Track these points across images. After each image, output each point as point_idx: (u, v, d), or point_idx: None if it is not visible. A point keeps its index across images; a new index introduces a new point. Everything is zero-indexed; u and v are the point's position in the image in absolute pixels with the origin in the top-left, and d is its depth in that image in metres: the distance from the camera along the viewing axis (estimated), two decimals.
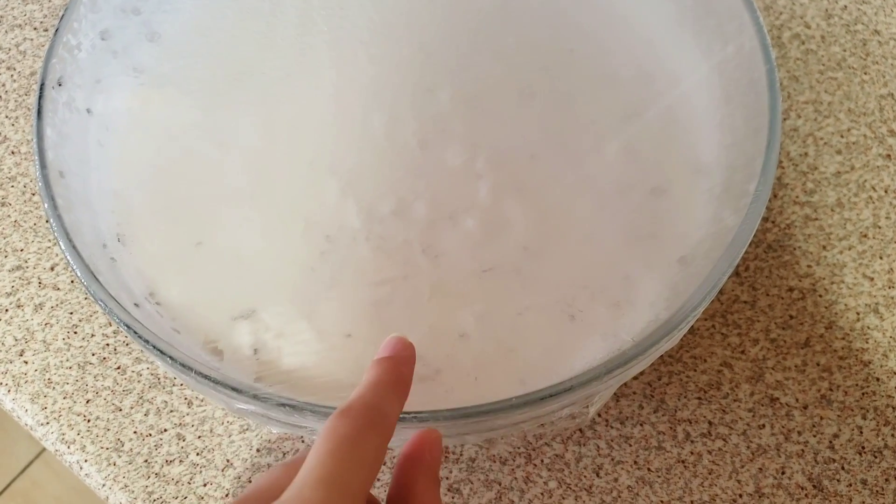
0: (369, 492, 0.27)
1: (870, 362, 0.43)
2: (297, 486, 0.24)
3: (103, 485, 0.41)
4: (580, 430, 0.42)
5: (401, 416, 0.30)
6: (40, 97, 0.36)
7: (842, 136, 0.49)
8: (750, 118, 0.36)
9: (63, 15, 0.38)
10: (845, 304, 0.45)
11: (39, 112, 0.36)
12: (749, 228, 0.33)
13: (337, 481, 0.24)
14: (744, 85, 0.37)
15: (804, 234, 0.47)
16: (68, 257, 0.33)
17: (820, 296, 0.45)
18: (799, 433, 0.42)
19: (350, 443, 0.25)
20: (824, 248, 0.46)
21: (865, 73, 0.51)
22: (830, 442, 0.41)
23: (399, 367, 0.29)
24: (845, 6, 0.53)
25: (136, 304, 0.34)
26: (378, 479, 0.41)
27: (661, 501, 0.40)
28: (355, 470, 0.25)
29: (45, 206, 0.34)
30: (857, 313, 0.44)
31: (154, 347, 0.31)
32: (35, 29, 0.53)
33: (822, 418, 0.42)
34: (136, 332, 0.31)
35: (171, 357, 0.31)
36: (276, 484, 0.28)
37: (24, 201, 0.48)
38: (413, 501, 0.27)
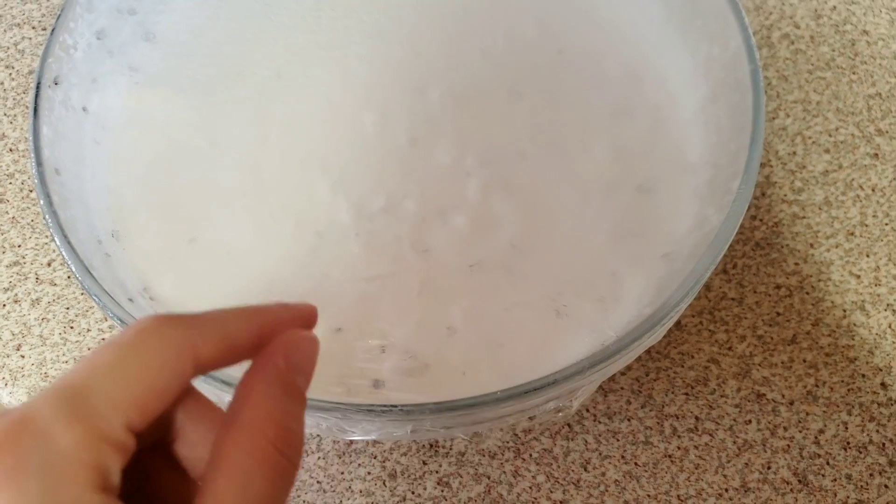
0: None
1: (855, 359, 0.44)
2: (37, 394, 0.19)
3: None
4: (568, 424, 0.42)
5: (385, 408, 0.31)
6: (37, 96, 0.37)
7: (830, 136, 0.50)
8: (735, 117, 0.37)
9: (59, 15, 0.39)
10: (832, 302, 0.45)
11: (36, 110, 0.37)
12: (732, 226, 0.33)
13: (82, 384, 0.19)
14: (729, 84, 0.38)
15: (792, 232, 0.47)
16: (64, 253, 0.34)
17: (807, 293, 0.45)
18: (785, 429, 0.42)
19: (134, 334, 0.20)
20: (811, 245, 0.47)
21: (854, 73, 0.52)
22: (816, 437, 0.42)
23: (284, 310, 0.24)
24: (834, 6, 0.54)
25: (130, 300, 0.35)
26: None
27: (648, 495, 0.41)
28: (121, 368, 0.19)
29: (41, 202, 0.35)
30: (844, 310, 0.45)
31: None
32: (33, 28, 0.54)
33: (807, 414, 0.43)
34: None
35: None
36: None
37: (22, 198, 0.49)
38: (245, 413, 0.21)
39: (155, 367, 0.19)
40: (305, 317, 0.25)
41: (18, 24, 0.54)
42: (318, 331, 0.36)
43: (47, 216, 0.34)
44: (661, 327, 0.32)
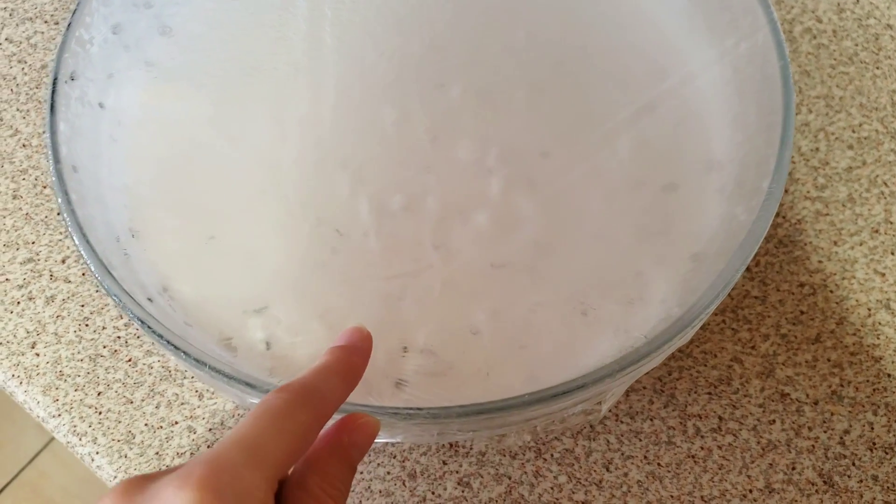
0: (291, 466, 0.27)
1: (881, 358, 0.43)
2: (216, 446, 0.25)
3: (115, 477, 0.41)
4: (590, 425, 0.42)
5: (412, 411, 0.31)
6: (53, 92, 0.36)
7: (853, 132, 0.49)
8: (763, 114, 0.36)
9: (75, 9, 0.38)
10: (856, 300, 0.45)
11: (53, 107, 0.36)
12: (762, 226, 0.33)
13: (253, 445, 0.25)
14: (757, 81, 0.37)
15: (815, 229, 0.46)
16: (82, 252, 0.33)
17: (831, 291, 0.45)
18: (809, 429, 0.42)
19: (276, 413, 0.26)
20: (835, 243, 0.46)
21: (878, 68, 0.51)
22: (841, 438, 0.41)
23: (350, 356, 0.30)
24: (857, 0, 0.53)
25: (149, 299, 0.34)
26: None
27: (671, 496, 0.40)
28: (276, 438, 0.25)
29: (59, 200, 0.34)
30: (869, 309, 0.44)
31: (168, 342, 0.31)
32: (46, 22, 0.53)
33: (832, 414, 0.42)
34: (149, 327, 0.32)
35: (184, 352, 0.31)
36: None
37: (36, 194, 0.48)
38: (311, 475, 0.27)
39: (297, 447, 0.26)
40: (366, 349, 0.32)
41: (31, 18, 0.54)
42: (340, 331, 0.36)
43: (65, 214, 0.34)
44: (691, 329, 0.31)
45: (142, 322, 0.32)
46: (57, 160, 0.35)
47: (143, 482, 0.25)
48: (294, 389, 0.27)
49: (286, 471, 0.26)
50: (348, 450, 0.28)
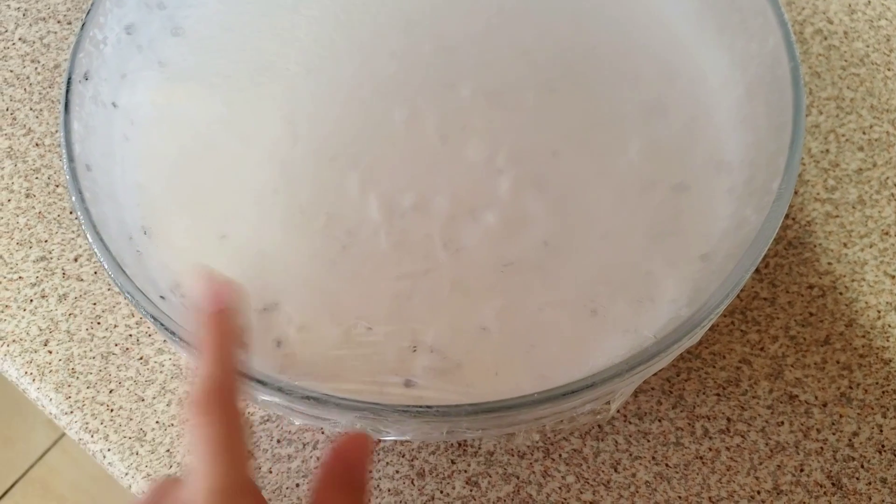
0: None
1: (890, 360, 0.43)
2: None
3: (126, 473, 0.42)
4: (598, 425, 0.42)
5: (421, 409, 0.31)
6: (67, 91, 0.37)
7: (864, 133, 0.49)
8: (773, 116, 0.36)
9: (89, 9, 0.38)
10: (866, 302, 0.44)
11: (67, 106, 0.36)
12: (772, 227, 0.33)
13: (217, 483, 0.26)
14: (767, 82, 0.37)
15: (825, 231, 0.46)
16: (96, 250, 0.33)
17: (840, 293, 0.45)
18: (818, 431, 0.42)
19: (209, 439, 0.27)
20: (845, 245, 0.46)
21: (889, 70, 0.51)
22: (850, 440, 0.41)
23: (224, 321, 0.30)
24: (869, 1, 0.53)
25: (161, 297, 0.35)
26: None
27: (679, 497, 0.40)
28: (227, 463, 0.26)
29: (73, 199, 0.34)
30: (878, 311, 0.44)
31: (181, 340, 0.31)
32: (59, 22, 0.54)
33: (841, 416, 0.42)
34: (162, 325, 0.32)
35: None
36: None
37: (49, 193, 0.48)
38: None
39: (240, 440, 0.28)
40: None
41: (44, 18, 0.54)
42: (350, 329, 0.36)
43: (79, 213, 0.34)
44: (700, 329, 0.31)
45: (154, 319, 0.32)
46: (71, 159, 0.35)
47: None
48: (198, 400, 0.27)
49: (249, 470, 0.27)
50: (348, 478, 0.29)
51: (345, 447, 0.30)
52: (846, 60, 0.51)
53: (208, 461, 0.26)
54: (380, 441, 0.42)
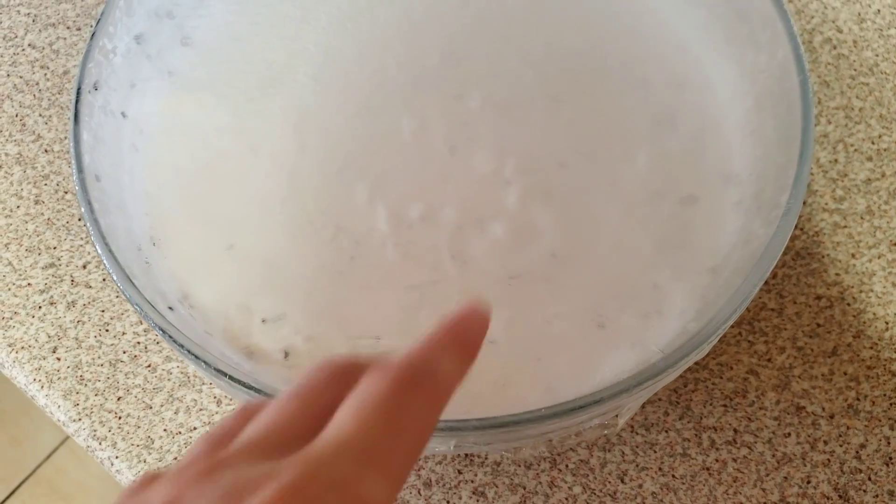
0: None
1: None
2: (325, 450, 0.19)
3: (134, 481, 0.42)
4: (605, 435, 0.42)
5: None
6: (77, 101, 0.37)
7: (873, 143, 0.49)
8: (782, 129, 0.36)
9: (99, 19, 0.39)
10: (874, 314, 0.44)
11: (76, 116, 0.36)
12: (780, 241, 0.33)
13: (366, 448, 0.19)
14: (776, 94, 0.37)
15: (833, 241, 0.46)
16: (105, 261, 0.34)
17: (848, 304, 0.45)
18: (825, 442, 0.42)
19: (391, 406, 0.19)
20: (853, 256, 0.46)
21: None
22: (857, 452, 0.41)
23: (464, 327, 0.23)
24: (878, 10, 0.53)
25: (170, 308, 0.35)
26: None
27: None
28: (394, 438, 0.19)
29: (83, 209, 0.35)
30: (887, 322, 0.44)
31: (189, 352, 0.32)
32: (68, 28, 0.54)
33: (848, 428, 0.42)
34: (171, 337, 0.32)
35: (205, 362, 0.31)
36: (273, 432, 0.21)
37: (57, 199, 0.49)
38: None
39: (419, 448, 0.20)
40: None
41: (53, 24, 0.54)
42: (358, 341, 0.36)
43: (89, 223, 0.34)
44: (708, 344, 0.31)
45: (163, 331, 0.32)
46: (80, 169, 0.36)
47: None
48: (399, 369, 0.20)
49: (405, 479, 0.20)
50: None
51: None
52: (855, 70, 0.51)
53: (365, 417, 0.19)
54: None
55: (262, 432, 0.21)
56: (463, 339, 0.23)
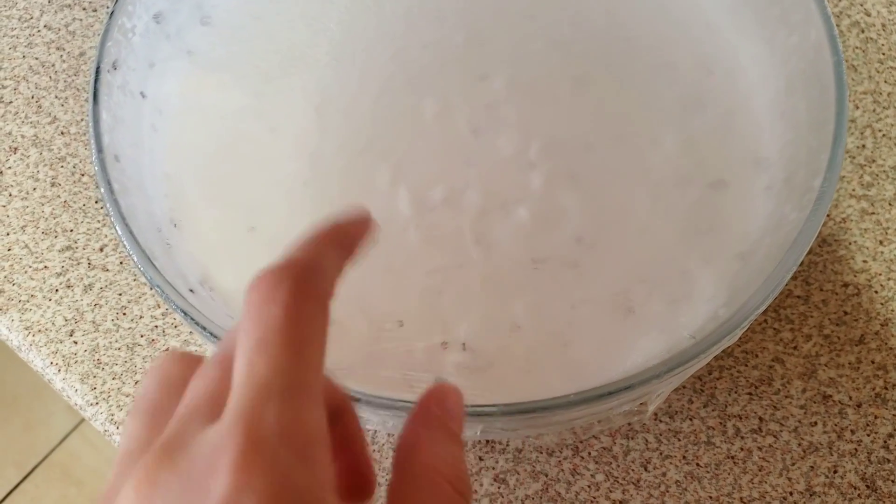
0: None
1: None
2: (253, 403, 0.18)
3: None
4: (628, 423, 0.41)
5: None
6: (96, 80, 0.36)
7: None
8: (814, 111, 0.35)
9: None
10: None
11: (95, 96, 0.36)
12: (814, 225, 0.32)
13: (298, 386, 0.19)
14: (808, 77, 0.36)
15: (860, 228, 0.45)
16: (125, 242, 0.33)
17: (876, 292, 0.44)
18: (852, 432, 0.41)
19: (285, 328, 0.19)
20: (881, 243, 0.45)
21: None
22: (885, 441, 0.41)
23: (346, 227, 0.24)
24: None
25: (191, 290, 0.34)
26: None
27: (710, 497, 0.40)
28: (303, 364, 0.19)
29: (102, 190, 0.34)
30: None
31: (211, 334, 0.31)
32: (84, 9, 0.54)
33: (876, 417, 0.41)
34: (192, 319, 0.31)
35: None
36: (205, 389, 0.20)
37: (74, 182, 0.48)
38: (418, 456, 0.22)
39: (322, 349, 0.20)
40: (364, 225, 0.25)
41: (69, 6, 0.54)
42: (380, 325, 0.36)
43: (108, 204, 0.34)
44: (740, 329, 0.31)
45: (184, 313, 0.32)
46: (99, 149, 0.35)
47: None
48: (285, 272, 0.20)
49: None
50: (445, 422, 0.23)
51: (441, 393, 0.24)
52: (884, 54, 0.50)
53: (258, 349, 0.19)
54: None
55: (194, 402, 0.20)
56: (339, 230, 0.24)
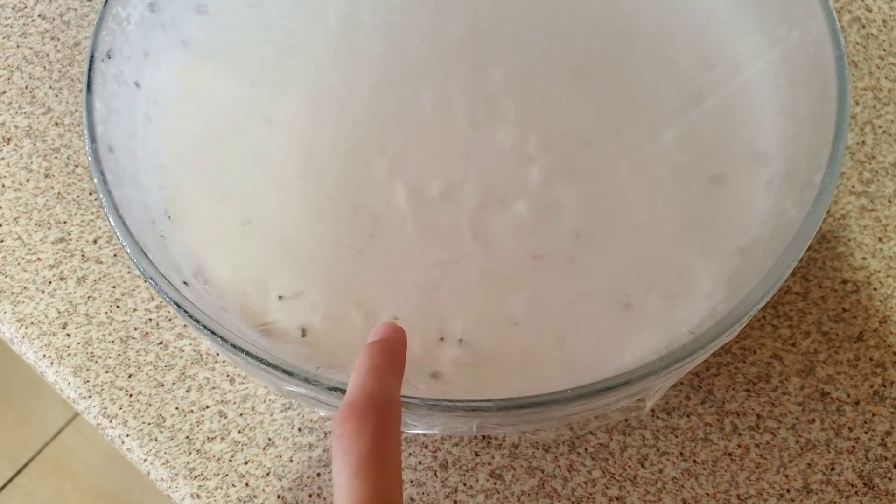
0: None
1: None
2: None
3: (145, 460, 0.41)
4: (625, 419, 0.41)
5: (450, 403, 0.30)
6: (90, 70, 0.36)
7: None
8: (815, 106, 0.35)
9: None
10: None
11: (89, 85, 0.35)
12: (815, 221, 0.32)
13: (366, 498, 0.24)
14: (810, 72, 0.36)
15: (860, 224, 0.45)
16: (118, 234, 0.33)
17: (875, 289, 0.44)
18: (850, 429, 0.41)
19: (375, 456, 0.25)
20: (880, 239, 0.45)
21: None
22: (882, 439, 0.41)
23: (392, 347, 0.29)
24: None
25: (185, 283, 0.34)
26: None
27: (707, 494, 0.40)
28: (391, 484, 0.25)
29: (95, 180, 0.34)
30: None
31: (205, 328, 0.31)
32: None
33: (874, 415, 0.41)
34: (186, 312, 0.31)
35: (222, 338, 0.31)
36: None
37: (68, 173, 0.48)
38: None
39: (399, 467, 0.26)
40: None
41: None
42: (376, 319, 0.35)
43: (101, 195, 0.33)
44: (739, 325, 0.31)
45: (178, 306, 0.31)
46: (93, 139, 0.35)
47: None
48: (365, 409, 0.26)
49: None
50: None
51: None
52: (884, 49, 0.50)
53: (357, 475, 0.24)
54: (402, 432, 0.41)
55: None
56: (394, 357, 0.29)
